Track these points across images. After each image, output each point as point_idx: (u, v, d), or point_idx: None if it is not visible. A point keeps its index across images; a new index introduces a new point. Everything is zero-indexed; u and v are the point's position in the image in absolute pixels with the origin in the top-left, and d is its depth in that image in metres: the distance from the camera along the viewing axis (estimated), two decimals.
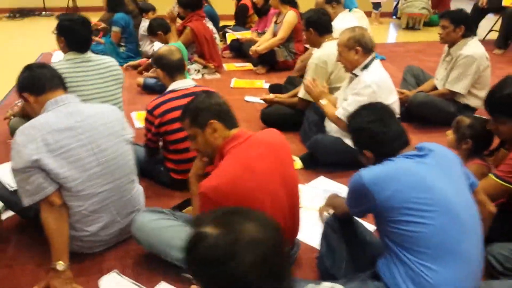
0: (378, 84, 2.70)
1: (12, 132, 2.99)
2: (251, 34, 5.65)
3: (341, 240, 1.95)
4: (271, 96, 3.70)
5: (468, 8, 5.93)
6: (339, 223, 1.98)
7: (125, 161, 2.11)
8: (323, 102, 2.92)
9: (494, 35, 6.31)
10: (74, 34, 2.65)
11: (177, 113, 2.53)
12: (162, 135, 2.61)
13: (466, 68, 3.41)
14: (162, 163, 2.74)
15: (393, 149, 1.70)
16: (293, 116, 3.49)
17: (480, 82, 3.47)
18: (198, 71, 4.79)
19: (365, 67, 2.76)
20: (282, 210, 1.83)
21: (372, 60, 2.78)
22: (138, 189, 2.26)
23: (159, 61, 2.67)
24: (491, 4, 6.03)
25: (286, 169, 1.87)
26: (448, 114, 3.46)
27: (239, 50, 5.47)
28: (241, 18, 5.98)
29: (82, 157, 1.93)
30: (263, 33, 5.36)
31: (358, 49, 2.72)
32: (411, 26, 7.40)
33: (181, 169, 2.65)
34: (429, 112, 3.56)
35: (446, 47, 3.65)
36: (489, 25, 6.54)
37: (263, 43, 4.94)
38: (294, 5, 5.04)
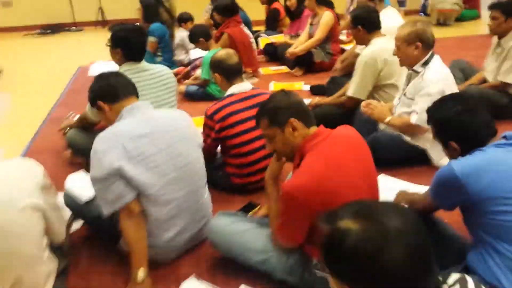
0: (444, 81, 2.66)
1: (70, 143, 3.04)
2: (283, 37, 5.65)
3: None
4: (316, 99, 3.68)
5: None
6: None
7: (199, 165, 2.12)
8: (388, 119, 2.84)
9: None
10: (131, 44, 2.68)
11: (237, 117, 2.55)
12: (223, 139, 2.60)
13: None
14: (220, 169, 2.73)
15: (482, 139, 1.67)
16: (342, 117, 3.43)
17: None
18: None
19: (426, 63, 2.70)
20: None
21: (432, 56, 2.71)
22: (208, 194, 2.25)
23: (217, 65, 2.67)
24: None
25: (367, 164, 1.84)
26: (501, 106, 3.41)
27: (274, 54, 5.47)
28: (273, 22, 5.99)
29: (160, 162, 1.93)
30: (296, 35, 5.36)
31: (419, 44, 2.66)
32: (442, 22, 7.30)
33: (243, 173, 2.64)
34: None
35: (495, 38, 3.58)
36: None
37: (299, 45, 4.93)
38: (330, 5, 5.02)
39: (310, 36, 4.99)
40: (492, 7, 3.45)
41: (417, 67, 2.73)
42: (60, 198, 2.08)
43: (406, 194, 2.15)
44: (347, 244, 0.90)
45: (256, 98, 2.63)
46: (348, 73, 4.12)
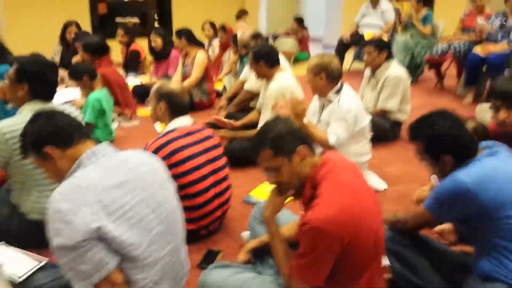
0: (357, 108, 2.87)
1: None
2: (150, 79, 5.38)
3: (417, 253, 1.93)
4: (222, 132, 3.57)
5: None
6: (405, 237, 1.97)
7: (179, 214, 1.75)
8: (307, 120, 2.84)
9: (356, 66, 7.13)
10: (42, 80, 2.21)
11: (185, 153, 2.29)
12: None
13: (395, 87, 3.83)
14: None
15: (474, 150, 1.79)
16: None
17: (405, 99, 3.93)
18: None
19: (338, 91, 2.87)
20: (382, 227, 1.74)
21: (342, 85, 2.89)
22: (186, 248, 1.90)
23: (168, 95, 2.37)
24: (353, 38, 6.86)
25: (368, 186, 1.80)
26: (385, 130, 3.85)
27: (144, 95, 5.12)
28: (134, 65, 5.66)
29: (143, 215, 1.53)
30: (166, 77, 5.17)
31: (323, 75, 2.81)
32: None
33: (196, 216, 2.36)
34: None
35: (367, 71, 4.04)
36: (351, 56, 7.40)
37: None
38: (201, 45, 5.00)
39: (184, 76, 4.88)
40: (365, 44, 3.91)
41: (330, 95, 2.88)
42: None
43: (385, 216, 2.15)
44: None
45: (200, 132, 2.41)
46: (241, 108, 4.15)
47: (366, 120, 2.98)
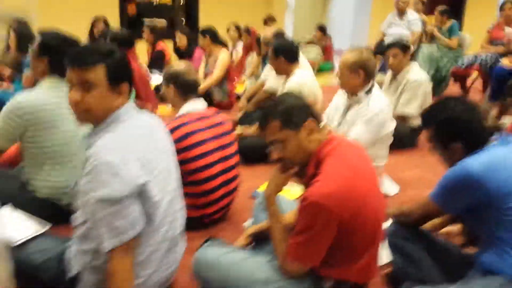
0: (385, 111, 2.75)
1: None
2: None
3: (419, 247, 1.89)
4: (240, 130, 3.58)
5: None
6: (408, 231, 1.93)
7: (180, 186, 1.78)
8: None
9: (380, 78, 7.06)
10: (62, 55, 2.25)
11: (196, 138, 2.30)
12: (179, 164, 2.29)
13: (415, 91, 3.77)
14: None
15: (485, 138, 1.73)
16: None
17: (426, 105, 3.86)
18: None
19: (369, 91, 2.73)
20: (384, 214, 1.71)
21: (373, 84, 2.78)
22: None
23: (174, 77, 2.38)
24: (378, 48, 6.81)
25: (373, 170, 1.77)
26: (403, 136, 3.78)
27: None
28: (159, 64, 5.76)
29: (166, 179, 1.58)
30: None
31: (361, 72, 2.66)
32: None
33: (201, 204, 2.36)
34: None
35: (389, 74, 4.00)
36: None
37: None
38: (224, 44, 5.06)
39: (206, 75, 4.93)
40: (390, 46, 3.87)
41: (361, 95, 2.73)
42: None
43: (389, 210, 2.12)
44: None
45: (213, 118, 2.43)
46: (259, 108, 4.16)
47: (392, 126, 2.88)
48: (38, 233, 1.77)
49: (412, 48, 6.39)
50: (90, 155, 1.42)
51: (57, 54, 2.28)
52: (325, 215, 1.48)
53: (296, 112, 1.62)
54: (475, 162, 1.64)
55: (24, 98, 2.20)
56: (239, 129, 3.57)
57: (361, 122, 2.72)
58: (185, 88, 2.38)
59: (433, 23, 6.45)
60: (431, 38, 6.27)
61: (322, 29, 7.73)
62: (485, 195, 1.61)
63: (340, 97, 2.97)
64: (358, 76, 2.69)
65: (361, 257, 1.60)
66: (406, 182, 3.23)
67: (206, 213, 2.40)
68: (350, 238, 1.55)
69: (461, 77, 5.74)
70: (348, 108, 2.85)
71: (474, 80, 5.94)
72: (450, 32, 6.15)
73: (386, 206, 1.74)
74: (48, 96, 2.24)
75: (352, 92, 2.76)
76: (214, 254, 1.75)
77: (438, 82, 5.98)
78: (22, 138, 2.25)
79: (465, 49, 6.28)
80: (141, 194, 1.43)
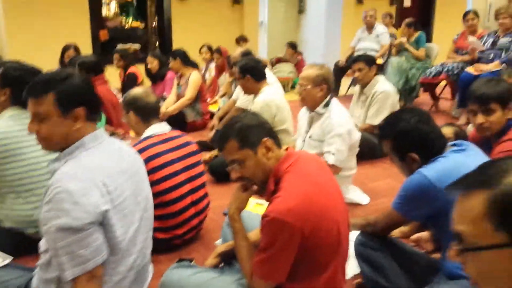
0: (348, 122, 2.83)
1: None
2: None
3: (387, 256, 1.91)
4: (212, 154, 3.61)
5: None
6: (376, 240, 1.95)
7: (152, 212, 1.76)
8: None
9: (353, 91, 7.18)
10: (25, 86, 2.24)
11: (162, 160, 2.31)
12: None
13: (383, 103, 3.84)
14: None
15: (441, 146, 1.78)
16: None
17: None
18: None
19: (326, 104, 2.81)
20: (347, 225, 1.73)
21: (331, 98, 2.85)
22: None
23: (132, 103, 2.38)
24: (350, 62, 6.95)
25: (335, 183, 1.80)
26: (373, 147, 3.83)
27: None
28: (131, 87, 5.73)
29: (131, 209, 1.55)
30: (162, 98, 5.25)
31: (324, 86, 2.75)
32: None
33: (169, 226, 2.35)
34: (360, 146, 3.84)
35: (357, 88, 4.08)
36: (349, 81, 7.48)
37: (169, 106, 4.83)
38: (195, 65, 5.09)
39: (179, 96, 4.95)
40: (355, 60, 3.95)
41: (319, 109, 2.82)
42: None
43: (353, 220, 2.15)
44: None
45: (178, 139, 2.44)
46: None
47: (357, 134, 2.96)
48: (3, 263, 1.74)
49: (382, 60, 6.55)
50: (51, 182, 1.41)
51: (19, 85, 2.28)
52: (287, 231, 1.49)
53: (253, 131, 1.64)
54: (431, 170, 1.68)
55: None
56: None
57: (331, 138, 2.77)
58: (145, 112, 2.38)
59: (401, 36, 6.62)
60: (399, 50, 6.42)
61: (292, 46, 7.86)
62: (442, 202, 1.63)
63: (302, 114, 3.04)
64: (321, 90, 2.75)
65: (326, 270, 1.61)
66: (378, 192, 3.27)
67: (177, 234, 2.39)
68: (313, 252, 1.56)
69: (430, 86, 5.87)
70: (310, 123, 2.91)
71: (443, 88, 6.08)
72: (417, 43, 6.30)
73: (348, 218, 1.76)
74: (10, 126, 2.23)
75: (314, 106, 2.83)
76: (181, 275, 1.75)
77: (409, 92, 6.12)
78: None
79: (433, 59, 6.44)
80: (102, 222, 1.42)
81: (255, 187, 1.72)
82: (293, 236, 1.50)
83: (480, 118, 2.22)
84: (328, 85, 2.77)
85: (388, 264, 1.89)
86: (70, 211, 1.36)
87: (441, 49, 6.48)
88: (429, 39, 9.04)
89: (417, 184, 1.70)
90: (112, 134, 4.47)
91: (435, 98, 5.97)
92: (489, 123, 2.20)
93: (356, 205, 3.05)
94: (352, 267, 2.10)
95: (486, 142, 2.30)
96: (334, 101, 2.88)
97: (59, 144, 1.51)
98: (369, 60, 3.88)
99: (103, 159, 1.51)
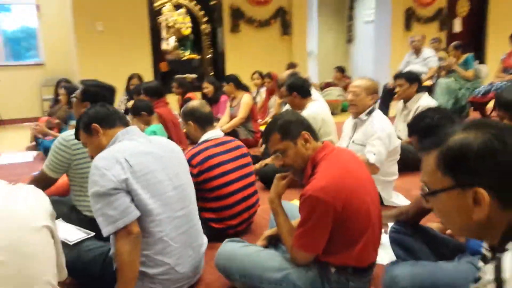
0: (389, 127, 3.08)
1: None
2: None
3: (418, 240, 2.08)
4: (264, 162, 3.90)
5: None
6: (408, 228, 2.13)
7: (191, 189, 2.12)
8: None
9: None
10: (102, 100, 2.66)
11: (215, 160, 2.62)
12: (201, 183, 2.60)
13: None
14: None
15: None
16: None
17: None
18: None
19: (370, 112, 3.10)
20: (378, 210, 1.94)
21: (374, 108, 3.14)
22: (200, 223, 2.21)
23: (191, 113, 2.74)
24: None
25: (367, 173, 2.02)
26: (416, 158, 3.95)
27: None
28: None
29: (160, 180, 1.92)
30: (217, 119, 5.66)
31: (375, 96, 3.09)
32: (331, 112, 8.25)
33: (223, 217, 2.64)
34: (405, 157, 3.99)
35: (400, 103, 4.26)
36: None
37: (223, 125, 5.21)
38: (246, 89, 5.48)
39: (232, 117, 5.33)
40: (396, 77, 4.16)
41: (362, 116, 3.11)
42: None
43: (388, 212, 2.35)
44: (474, 149, 0.99)
45: (231, 143, 2.75)
46: None
47: (398, 141, 3.18)
48: (87, 237, 2.10)
49: (431, 82, 6.66)
50: None
51: (97, 99, 2.70)
52: (321, 206, 1.74)
53: (292, 125, 1.94)
54: None
55: (68, 134, 2.60)
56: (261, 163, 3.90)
57: (370, 140, 3.02)
58: (202, 120, 2.74)
59: (448, 58, 6.72)
60: (448, 72, 6.51)
61: (340, 69, 8.13)
62: None
63: (347, 123, 3.30)
64: (372, 98, 3.07)
65: (358, 243, 1.83)
66: None
67: (231, 225, 2.68)
68: (346, 226, 1.79)
69: (479, 105, 5.90)
70: (354, 129, 3.17)
71: (494, 108, 6.08)
72: (466, 65, 6.38)
73: (378, 202, 1.97)
74: None
75: (360, 112, 3.11)
76: (232, 247, 2.04)
77: (459, 111, 6.16)
78: (68, 169, 2.62)
79: (483, 79, 6.47)
80: (127, 189, 1.79)
81: (290, 176, 2.00)
82: (327, 211, 1.74)
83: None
84: (377, 95, 3.11)
85: (419, 247, 2.06)
86: (98, 181, 1.78)
87: (494, 70, 6.49)
88: (482, 61, 9.02)
89: None
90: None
91: (485, 116, 5.97)
92: None
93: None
94: (388, 254, 2.27)
95: None
96: (377, 110, 3.14)
97: (96, 153, 1.97)
98: (409, 77, 4.07)
99: (130, 145, 1.93)
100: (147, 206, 1.83)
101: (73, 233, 2.12)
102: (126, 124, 2.08)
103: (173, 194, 1.94)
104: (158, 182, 1.89)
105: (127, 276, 1.79)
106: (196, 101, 2.91)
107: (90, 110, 2.09)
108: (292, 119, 1.97)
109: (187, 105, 2.84)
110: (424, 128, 2.02)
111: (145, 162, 1.88)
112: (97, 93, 2.69)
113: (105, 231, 1.79)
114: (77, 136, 2.17)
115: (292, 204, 2.31)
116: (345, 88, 7.99)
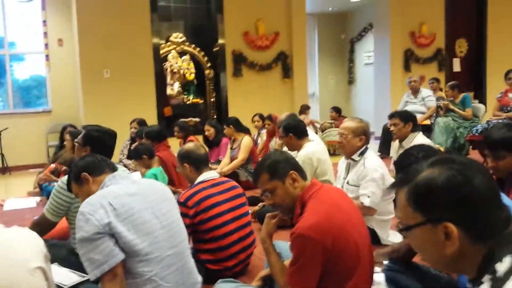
0: (382, 168, 3.13)
1: None
2: None
3: (411, 277, 2.10)
4: (261, 204, 3.95)
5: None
6: (401, 265, 2.16)
7: (182, 226, 2.14)
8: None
9: None
10: (102, 145, 2.76)
11: (211, 201, 2.67)
12: (197, 224, 2.65)
13: None
14: (192, 257, 2.70)
15: None
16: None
17: None
18: None
19: (362, 153, 3.17)
20: (368, 245, 1.97)
21: (366, 148, 3.21)
22: (193, 262, 2.22)
23: (186, 156, 2.82)
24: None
25: (356, 209, 2.07)
26: None
27: None
28: None
29: (147, 219, 1.94)
30: (217, 162, 5.74)
31: (363, 137, 3.15)
32: (332, 152, 8.35)
33: (220, 258, 2.66)
34: None
35: (396, 143, 4.33)
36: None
37: (224, 167, 5.29)
38: (247, 131, 5.60)
39: (232, 159, 5.41)
40: (391, 116, 4.25)
41: (355, 157, 3.18)
42: None
43: (380, 250, 2.38)
44: (438, 184, 1.04)
45: (226, 184, 2.81)
46: None
47: (391, 180, 3.21)
48: (82, 280, 2.14)
49: (429, 121, 6.76)
50: None
51: (98, 144, 2.81)
52: (311, 244, 1.78)
53: (280, 165, 2.02)
54: None
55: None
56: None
57: (364, 182, 3.07)
58: (197, 162, 2.81)
59: (446, 98, 6.85)
60: (446, 111, 6.61)
61: (336, 110, 8.31)
62: None
63: (341, 163, 3.38)
64: (360, 140, 3.12)
65: (350, 279, 1.85)
66: None
67: (227, 266, 2.70)
68: (337, 262, 1.82)
69: (477, 143, 5.93)
70: (347, 170, 3.23)
71: None
72: (463, 104, 6.49)
73: (369, 239, 2.00)
74: None
75: (351, 154, 3.18)
76: (229, 287, 2.05)
77: (458, 150, 6.21)
78: (68, 213, 2.69)
79: (481, 118, 6.56)
80: (111, 232, 1.82)
81: (280, 214, 2.06)
82: (317, 249, 1.78)
83: (490, 163, 2.35)
84: (366, 136, 3.17)
85: (412, 285, 2.07)
86: (83, 226, 1.82)
87: (488, 109, 6.60)
88: (482, 100, 9.14)
89: None
90: (174, 192, 4.95)
91: (484, 154, 6.00)
92: (499, 167, 2.31)
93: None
94: None
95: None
96: (370, 150, 3.21)
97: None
98: (404, 116, 4.15)
99: (115, 188, 1.99)
100: (134, 247, 1.86)
101: (68, 277, 2.16)
102: (114, 169, 2.16)
103: (161, 233, 1.97)
104: (145, 221, 1.93)
105: None
106: (191, 143, 3.00)
107: (79, 161, 2.18)
108: (279, 159, 2.05)
109: (183, 148, 2.93)
110: (408, 165, 2.07)
111: (130, 203, 1.92)
112: (98, 138, 2.80)
113: (92, 275, 1.82)
114: (69, 189, 2.26)
115: (285, 243, 2.35)
116: None
